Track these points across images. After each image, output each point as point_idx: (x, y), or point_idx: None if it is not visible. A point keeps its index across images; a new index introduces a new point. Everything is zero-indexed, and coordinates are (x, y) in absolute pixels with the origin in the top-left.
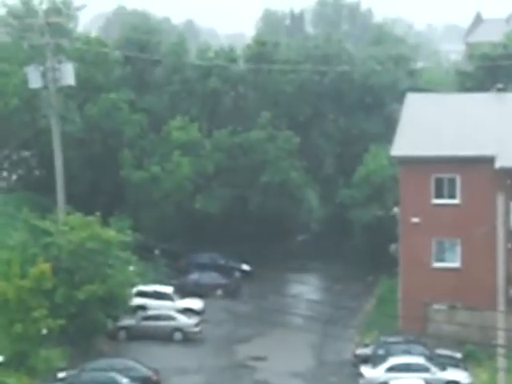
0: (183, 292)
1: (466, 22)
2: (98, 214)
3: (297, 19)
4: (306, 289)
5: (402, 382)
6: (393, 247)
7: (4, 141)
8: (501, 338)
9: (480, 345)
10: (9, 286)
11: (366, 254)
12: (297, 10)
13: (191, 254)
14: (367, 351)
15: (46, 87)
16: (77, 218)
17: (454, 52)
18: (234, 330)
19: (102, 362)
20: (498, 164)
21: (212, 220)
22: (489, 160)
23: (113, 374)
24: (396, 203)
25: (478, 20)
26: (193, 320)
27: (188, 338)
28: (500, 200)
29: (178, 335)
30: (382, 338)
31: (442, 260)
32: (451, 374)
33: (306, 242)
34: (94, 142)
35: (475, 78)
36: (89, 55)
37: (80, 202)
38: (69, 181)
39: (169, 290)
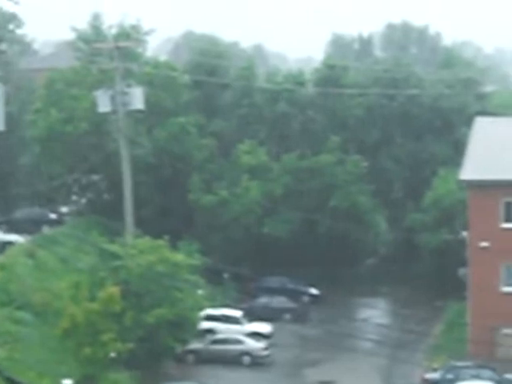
0: (252, 316)
1: None
2: (166, 237)
3: (365, 43)
4: (375, 313)
5: None
6: (461, 271)
7: (73, 165)
8: None
9: None
10: (78, 310)
11: (434, 278)
12: (365, 34)
13: (260, 278)
14: (436, 376)
15: (115, 111)
16: (146, 241)
17: None
18: (302, 354)
19: None
20: None
21: (280, 244)
22: None
23: None
24: (465, 227)
25: None
26: (261, 344)
27: (256, 362)
28: None
29: (246, 359)
30: (451, 363)
31: (511, 284)
32: None
33: (375, 266)
34: (162, 166)
35: None
36: (158, 79)
37: (149, 225)
38: (138, 204)
39: (237, 313)
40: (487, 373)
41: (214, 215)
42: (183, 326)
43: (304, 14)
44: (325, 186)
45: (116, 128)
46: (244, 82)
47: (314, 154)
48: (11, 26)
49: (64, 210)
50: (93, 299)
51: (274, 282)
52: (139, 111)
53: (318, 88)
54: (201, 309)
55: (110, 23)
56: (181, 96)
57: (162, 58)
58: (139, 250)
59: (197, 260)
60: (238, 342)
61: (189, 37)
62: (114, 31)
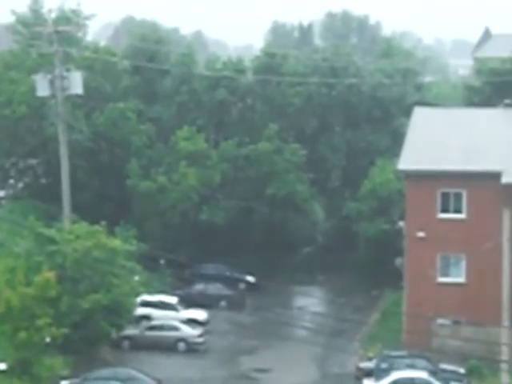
0: (188, 302)
1: (474, 37)
2: (103, 223)
3: (305, 32)
4: (311, 301)
5: None
6: (398, 261)
7: (11, 148)
8: (505, 353)
9: (484, 360)
10: (13, 294)
11: (371, 267)
12: (305, 23)
13: (196, 265)
14: (370, 365)
15: (53, 96)
16: (82, 226)
17: (462, 67)
18: (237, 341)
19: (106, 372)
20: (504, 179)
21: (217, 231)
22: (495, 175)
23: None
24: (402, 217)
25: (487, 35)
26: (197, 331)
27: (191, 349)
28: (506, 215)
29: (181, 346)
30: (386, 352)
31: (446, 275)
32: None
33: (311, 255)
34: (101, 151)
35: (483, 92)
36: (97, 64)
37: (86, 210)
38: (75, 189)
39: (173, 300)
40: (422, 362)
41: (152, 201)
42: (119, 312)
43: (244, 1)
44: (263, 174)
45: (54, 112)
46: (183, 69)
47: (252, 142)
48: None
49: (1, 193)
50: (28, 284)
51: (210, 268)
52: (78, 96)
53: (258, 76)
54: (137, 295)
55: (50, 7)
56: (120, 81)
57: (102, 42)
58: (76, 235)
59: (133, 246)
60: (174, 328)
61: (129, 22)
62: (53, 15)
